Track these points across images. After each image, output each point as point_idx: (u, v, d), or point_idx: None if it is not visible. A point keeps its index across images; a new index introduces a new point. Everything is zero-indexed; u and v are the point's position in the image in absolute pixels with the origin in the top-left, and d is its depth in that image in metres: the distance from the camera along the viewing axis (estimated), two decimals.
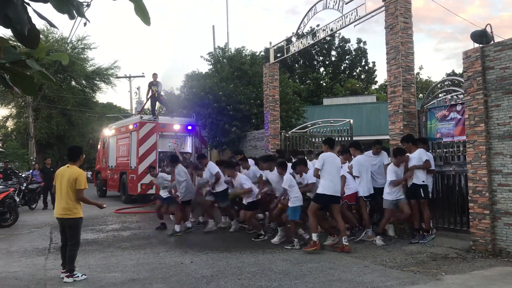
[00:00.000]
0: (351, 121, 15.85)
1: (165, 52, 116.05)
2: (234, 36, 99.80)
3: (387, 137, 10.69)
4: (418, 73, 44.84)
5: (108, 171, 21.10)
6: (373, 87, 45.74)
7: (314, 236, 7.93)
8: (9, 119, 35.54)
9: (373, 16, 10.94)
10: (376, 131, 24.80)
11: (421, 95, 33.06)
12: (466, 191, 8.45)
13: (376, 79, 47.03)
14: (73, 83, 35.18)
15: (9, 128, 36.74)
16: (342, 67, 44.78)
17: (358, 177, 9.14)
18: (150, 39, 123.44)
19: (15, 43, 4.73)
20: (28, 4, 2.07)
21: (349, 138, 15.95)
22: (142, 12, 2.24)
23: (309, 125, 16.92)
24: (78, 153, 6.71)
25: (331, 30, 13.00)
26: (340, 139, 16.02)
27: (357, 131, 20.57)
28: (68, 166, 6.58)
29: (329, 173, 7.99)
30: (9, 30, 2.13)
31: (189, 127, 18.34)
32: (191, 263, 7.25)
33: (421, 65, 60.58)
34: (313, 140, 15.94)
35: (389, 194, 8.70)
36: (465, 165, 8.37)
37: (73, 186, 6.36)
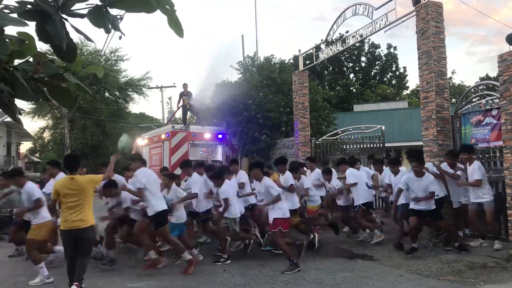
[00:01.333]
0: (383, 127, 15.65)
1: (195, 62, 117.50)
2: (263, 45, 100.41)
3: (420, 143, 10.51)
4: (450, 78, 43.98)
5: None
6: (404, 93, 45.05)
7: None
8: (46, 130, 36.61)
9: (403, 21, 10.83)
10: (408, 137, 24.39)
11: (454, 100, 32.40)
12: (504, 197, 8.20)
13: (407, 85, 46.34)
14: (106, 94, 36.01)
15: (46, 139, 37.84)
16: (372, 73, 44.30)
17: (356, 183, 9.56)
18: (181, 50, 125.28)
19: (51, 56, 4.88)
20: (66, 19, 2.13)
21: (381, 145, 15.75)
22: (175, 25, 2.28)
23: (340, 132, 16.80)
24: (78, 161, 6.37)
25: (361, 36, 12.93)
26: (372, 145, 15.83)
27: (389, 137, 20.28)
28: (72, 178, 6.09)
29: None
30: (46, 44, 2.21)
31: (220, 136, 18.46)
32: (223, 272, 7.27)
33: (454, 69, 59.50)
34: (344, 147, 15.82)
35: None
36: (502, 171, 8.14)
37: (87, 196, 6.04)
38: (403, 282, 6.33)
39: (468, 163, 8.49)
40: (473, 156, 8.49)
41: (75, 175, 6.14)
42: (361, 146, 15.97)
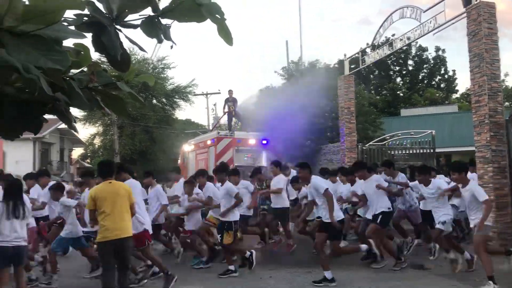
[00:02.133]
0: (433, 132, 15.20)
1: (241, 68, 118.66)
2: (307, 50, 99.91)
3: (472, 148, 10.15)
4: (503, 80, 42.26)
5: None
6: (454, 96, 43.67)
7: None
8: (96, 136, 37.83)
9: (453, 23, 10.52)
10: (459, 142, 23.61)
11: (507, 103, 31.13)
12: None
13: (457, 88, 44.88)
14: (154, 101, 36.85)
15: (96, 145, 39.09)
16: (420, 76, 43.21)
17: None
18: (226, 56, 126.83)
19: (103, 65, 5.04)
20: (120, 30, 2.19)
21: (431, 151, 15.29)
22: (225, 33, 2.30)
23: (388, 137, 16.46)
24: (113, 167, 6.14)
25: (408, 39, 12.68)
26: (422, 151, 15.40)
27: (439, 142, 19.69)
28: (110, 182, 5.73)
29: None
30: (102, 54, 2.29)
31: (264, 142, 18.50)
32: (269, 278, 7.26)
33: (507, 72, 56.89)
34: (392, 153, 15.50)
35: None
36: None
37: (127, 202, 5.68)
38: None
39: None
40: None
41: (112, 180, 5.81)
42: (410, 152, 15.56)
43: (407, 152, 15.65)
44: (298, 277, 7.28)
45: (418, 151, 15.40)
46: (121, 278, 5.55)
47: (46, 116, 2.76)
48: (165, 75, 36.74)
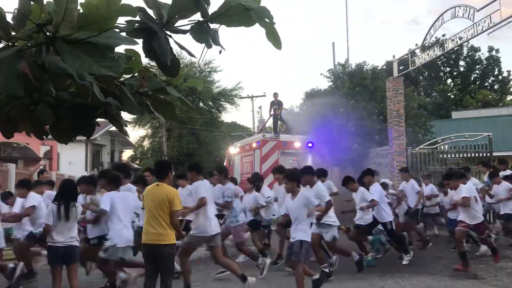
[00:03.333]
0: (491, 135, 14.56)
1: (286, 71, 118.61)
2: (354, 51, 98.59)
3: None
4: None
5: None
6: (508, 98, 41.80)
7: None
8: (145, 139, 38.77)
9: (509, 22, 10.06)
10: None
11: None
12: None
13: (511, 89, 42.93)
14: (201, 104, 37.39)
15: (145, 147, 40.06)
16: (472, 77, 41.64)
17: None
18: (271, 59, 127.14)
19: (152, 70, 5.14)
20: (170, 36, 2.21)
21: (488, 154, 14.64)
22: (274, 37, 2.28)
23: (440, 141, 15.92)
24: (167, 168, 5.68)
25: (460, 39, 12.26)
26: (477, 155, 14.78)
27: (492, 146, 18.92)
28: (157, 185, 5.54)
29: None
30: (152, 60, 2.31)
31: (310, 145, 18.35)
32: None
33: None
34: (444, 157, 14.97)
35: None
36: None
37: (166, 208, 5.34)
38: None
39: None
40: None
41: (162, 183, 5.54)
42: (465, 156, 14.93)
43: (461, 156, 15.03)
44: (344, 283, 7.14)
45: (473, 155, 14.77)
46: (162, 286, 5.32)
47: (98, 119, 2.84)
48: (211, 79, 37.22)
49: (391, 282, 7.13)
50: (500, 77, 41.93)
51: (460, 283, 7.02)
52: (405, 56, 14.56)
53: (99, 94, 1.79)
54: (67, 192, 5.68)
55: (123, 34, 1.99)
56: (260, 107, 42.45)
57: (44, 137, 2.75)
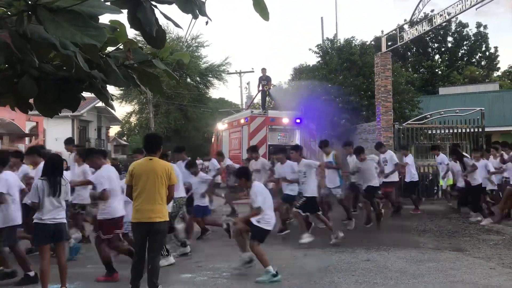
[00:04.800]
0: (483, 109, 14.63)
1: (274, 46, 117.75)
2: (342, 27, 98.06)
3: None
4: None
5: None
6: (495, 74, 42.04)
7: None
8: (133, 115, 38.53)
9: None
10: (499, 122, 22.87)
11: None
12: None
13: (498, 66, 43.15)
14: (188, 80, 37.11)
15: (133, 123, 39.82)
16: (459, 53, 41.70)
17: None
18: (258, 34, 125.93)
19: (140, 44, 5.05)
20: (156, 6, 2.17)
21: (480, 130, 14.72)
22: (260, 7, 2.25)
23: (428, 116, 16.00)
24: (159, 143, 5.48)
25: (449, 14, 12.21)
26: (469, 130, 14.86)
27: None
28: (150, 159, 5.24)
29: None
30: (132, 30, 2.27)
31: (298, 120, 18.37)
32: (304, 257, 7.27)
33: None
34: (433, 132, 15.06)
35: None
36: None
37: (165, 182, 5.18)
38: (495, 276, 5.95)
39: None
40: None
41: (155, 157, 5.32)
42: (455, 131, 14.98)
43: (451, 131, 15.09)
44: (332, 256, 7.25)
45: (464, 130, 14.83)
46: (147, 267, 5.11)
47: (84, 94, 2.80)
48: (199, 54, 36.93)
49: (376, 255, 7.25)
50: (487, 53, 42.07)
51: (444, 255, 7.16)
52: (394, 31, 14.52)
53: (83, 64, 1.75)
54: (53, 167, 5.51)
55: (108, 3, 1.95)
56: (248, 83, 42.21)
57: (29, 111, 2.71)
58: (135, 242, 5.40)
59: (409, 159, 12.06)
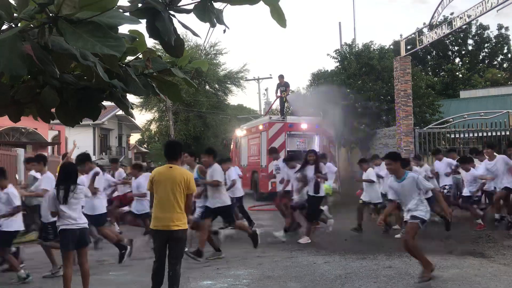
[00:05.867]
0: (510, 111, 14.30)
1: (292, 52, 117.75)
2: (361, 31, 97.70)
3: None
4: None
5: (241, 170, 21.96)
6: None
7: None
8: (153, 122, 38.88)
9: None
10: None
11: None
12: None
13: None
14: (207, 87, 37.33)
15: (153, 131, 40.19)
16: (480, 56, 41.10)
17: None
18: (277, 40, 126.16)
19: (158, 52, 5.10)
20: (174, 15, 2.19)
21: (508, 133, 14.35)
22: (278, 15, 2.25)
23: (451, 120, 15.74)
24: (179, 150, 5.59)
25: (469, 17, 12.06)
26: (495, 134, 14.50)
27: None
28: (171, 167, 5.31)
29: None
30: (151, 40, 2.29)
31: (317, 126, 18.30)
32: (324, 263, 7.21)
33: None
34: (456, 136, 14.79)
35: None
36: None
37: (183, 191, 5.20)
38: None
39: None
40: None
41: (175, 165, 5.40)
42: (479, 135, 14.64)
43: (474, 135, 14.77)
44: (353, 263, 7.18)
45: (490, 134, 14.47)
46: (168, 274, 5.13)
47: (105, 103, 2.84)
48: (217, 61, 37.12)
49: (398, 261, 7.16)
50: (509, 55, 41.39)
51: (468, 262, 7.03)
52: (413, 35, 14.37)
53: (102, 74, 1.77)
54: (67, 176, 5.51)
55: (127, 14, 1.97)
56: (266, 89, 42.29)
57: (51, 120, 2.76)
58: (155, 249, 5.41)
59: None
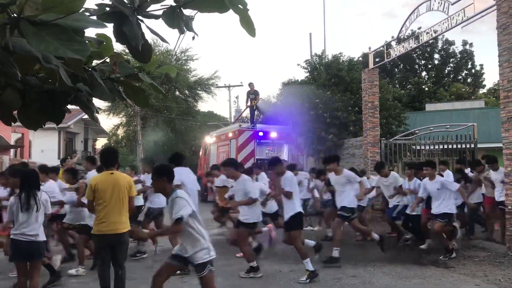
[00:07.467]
0: (475, 125, 14.67)
1: (263, 61, 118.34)
2: (330, 43, 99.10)
3: (498, 145, 9.90)
4: None
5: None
6: (481, 91, 42.70)
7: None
8: (120, 127, 38.32)
9: (482, 16, 10.23)
10: (485, 138, 23.10)
11: None
12: None
13: (484, 83, 43.87)
14: (177, 93, 37.08)
15: (120, 136, 39.59)
16: (446, 70, 42.34)
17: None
18: (248, 48, 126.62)
19: (126, 57, 5.04)
20: (142, 21, 2.17)
21: (472, 146, 14.72)
22: (247, 24, 2.26)
23: (417, 132, 16.09)
24: (116, 156, 5.85)
25: (435, 32, 12.39)
26: (460, 146, 14.84)
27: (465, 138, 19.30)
28: (112, 173, 5.45)
29: None
30: (123, 45, 2.26)
31: (285, 135, 18.43)
32: (290, 272, 7.22)
33: None
34: (420, 148, 15.12)
35: None
36: None
37: (127, 194, 5.39)
38: None
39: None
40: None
41: (114, 170, 5.55)
42: (445, 147, 14.98)
43: (440, 147, 15.11)
44: (318, 272, 7.21)
45: (455, 146, 14.83)
46: (117, 273, 5.26)
47: (71, 106, 2.77)
48: (188, 67, 36.96)
49: (362, 271, 7.25)
50: (473, 70, 42.76)
51: (430, 272, 7.18)
52: (381, 48, 14.66)
53: (65, 78, 1.73)
54: (28, 181, 5.24)
55: (93, 17, 1.94)
56: (237, 97, 42.31)
57: (13, 123, 2.68)
58: (99, 253, 5.47)
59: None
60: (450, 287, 6.25)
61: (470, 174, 10.73)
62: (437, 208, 8.35)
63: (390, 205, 9.89)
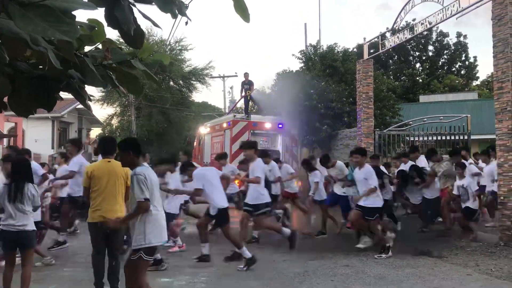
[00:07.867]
0: (469, 116, 14.72)
1: (258, 51, 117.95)
2: (326, 33, 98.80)
3: (491, 136, 9.94)
4: None
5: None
6: (474, 83, 42.83)
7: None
8: (114, 117, 38.08)
9: (477, 7, 10.22)
10: (478, 130, 23.21)
11: None
12: None
13: (477, 75, 44.00)
14: (171, 83, 36.86)
15: (114, 126, 39.37)
16: (440, 62, 42.40)
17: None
18: (243, 38, 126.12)
19: (120, 46, 4.98)
20: (134, 5, 2.14)
21: (465, 137, 14.78)
22: (241, 9, 2.23)
23: (411, 123, 16.14)
24: (114, 145, 5.54)
25: (430, 23, 12.36)
26: (454, 138, 14.88)
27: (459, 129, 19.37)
28: (109, 161, 5.46)
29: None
30: (113, 31, 2.23)
31: (280, 126, 18.41)
32: (283, 261, 7.25)
33: None
34: (414, 139, 15.20)
35: None
36: None
37: (124, 183, 5.41)
38: (471, 282, 6.02)
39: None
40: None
41: (111, 159, 5.52)
42: (439, 138, 15.04)
43: (433, 138, 15.16)
44: (311, 261, 7.25)
45: (449, 138, 14.90)
46: (111, 264, 5.28)
47: (65, 96, 2.73)
48: (182, 57, 36.68)
49: (355, 260, 7.28)
50: (466, 62, 42.84)
51: (422, 261, 7.22)
52: (376, 39, 14.64)
53: (54, 61, 1.70)
54: (20, 171, 5.16)
55: (85, 0, 1.91)
56: (231, 87, 42.27)
57: (3, 110, 2.64)
58: (95, 242, 5.40)
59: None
60: (442, 276, 6.29)
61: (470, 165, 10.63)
62: (364, 201, 7.75)
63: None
